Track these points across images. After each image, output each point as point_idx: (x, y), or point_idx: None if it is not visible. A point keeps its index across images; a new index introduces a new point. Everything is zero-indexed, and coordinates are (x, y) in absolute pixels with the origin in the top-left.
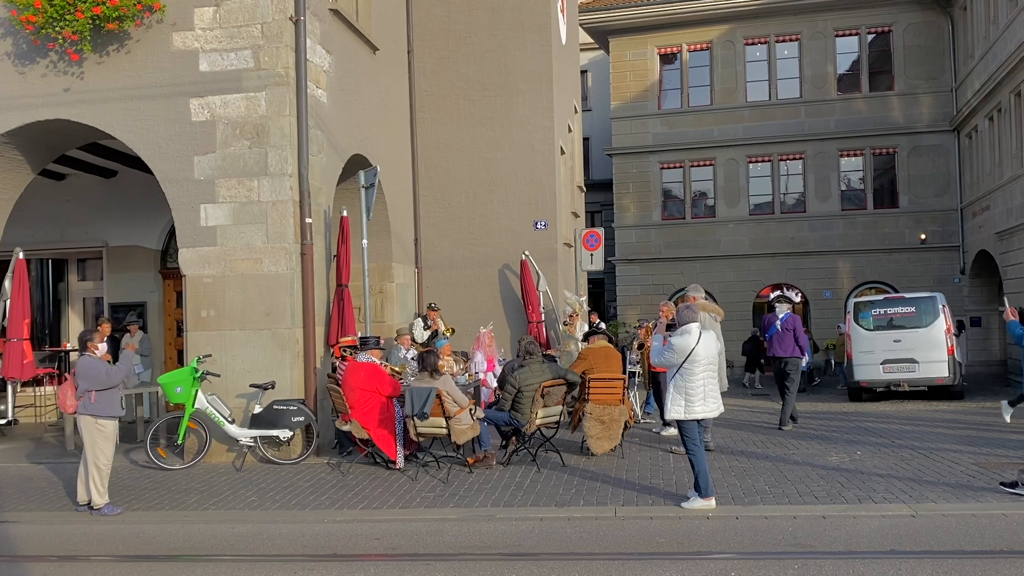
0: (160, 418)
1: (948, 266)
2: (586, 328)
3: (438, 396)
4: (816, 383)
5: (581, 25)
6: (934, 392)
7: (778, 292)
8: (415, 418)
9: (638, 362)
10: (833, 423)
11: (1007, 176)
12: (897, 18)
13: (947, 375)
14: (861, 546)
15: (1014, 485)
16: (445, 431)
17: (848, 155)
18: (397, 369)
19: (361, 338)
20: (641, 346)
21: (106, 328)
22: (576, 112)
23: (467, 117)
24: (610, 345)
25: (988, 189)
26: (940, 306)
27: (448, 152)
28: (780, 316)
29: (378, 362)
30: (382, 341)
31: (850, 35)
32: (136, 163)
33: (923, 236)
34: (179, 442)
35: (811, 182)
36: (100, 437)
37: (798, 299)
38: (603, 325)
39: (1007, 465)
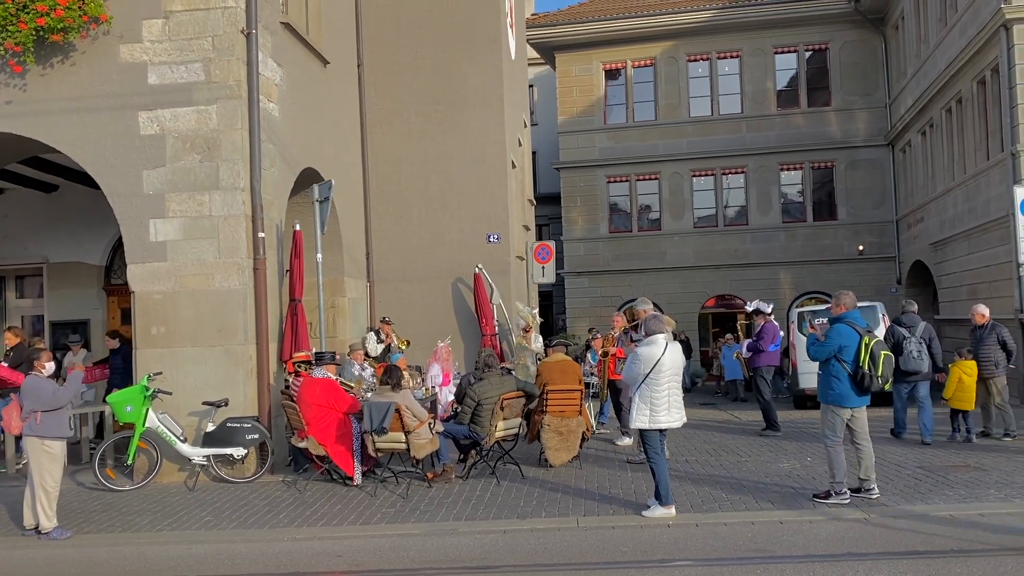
0: (108, 438)
1: (885, 276)
2: (540, 341)
3: (397, 411)
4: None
5: (528, 41)
6: (876, 399)
7: (757, 300)
8: (374, 433)
9: (592, 373)
10: (782, 430)
11: (940, 189)
12: (833, 36)
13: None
14: (819, 549)
15: (827, 496)
16: (404, 446)
17: (788, 169)
18: (352, 384)
19: (317, 353)
20: (605, 354)
21: (10, 338)
22: (525, 126)
23: (418, 131)
24: (567, 358)
25: (922, 201)
26: (880, 315)
27: (400, 165)
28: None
29: (334, 377)
30: (338, 356)
31: (789, 52)
32: (79, 177)
33: (861, 247)
34: (129, 462)
35: (753, 195)
36: (47, 459)
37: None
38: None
39: (951, 468)
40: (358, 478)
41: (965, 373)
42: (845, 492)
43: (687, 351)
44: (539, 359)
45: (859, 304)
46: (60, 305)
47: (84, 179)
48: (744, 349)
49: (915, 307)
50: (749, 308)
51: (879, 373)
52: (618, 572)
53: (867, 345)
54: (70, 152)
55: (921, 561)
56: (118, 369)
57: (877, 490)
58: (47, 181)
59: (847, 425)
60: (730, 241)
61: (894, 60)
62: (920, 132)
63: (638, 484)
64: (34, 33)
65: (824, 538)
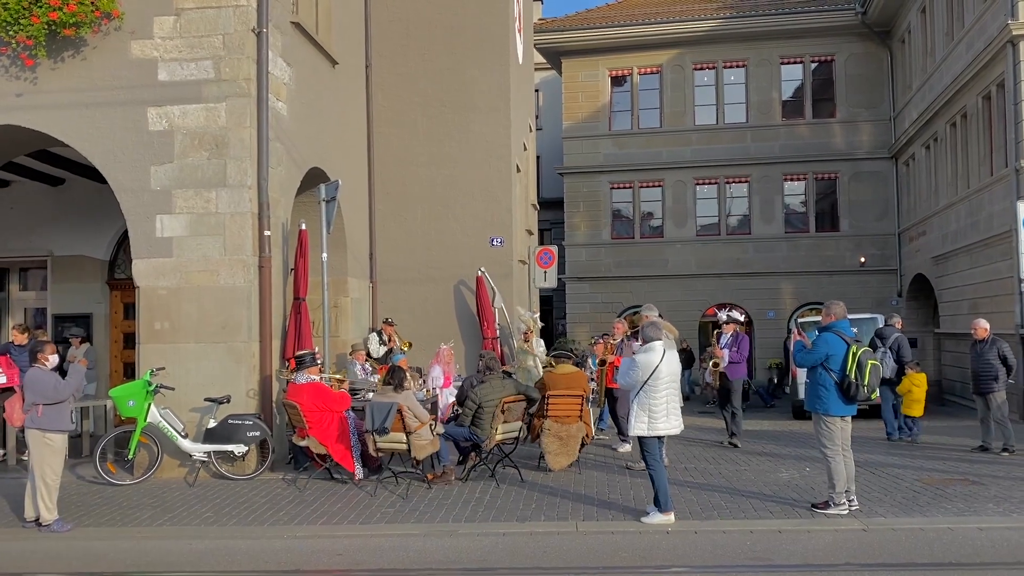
0: (109, 432)
1: (886, 288)
2: (542, 345)
3: (399, 411)
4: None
5: (535, 45)
6: (874, 410)
7: (728, 309)
8: (375, 433)
9: (592, 378)
10: (780, 440)
11: (943, 203)
12: (839, 48)
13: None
14: (817, 559)
15: (826, 505)
16: (405, 446)
17: (791, 179)
18: (338, 377)
19: (296, 357)
20: (603, 363)
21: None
22: (531, 131)
23: (424, 133)
24: (575, 369)
25: (925, 215)
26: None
27: (405, 167)
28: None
29: (318, 379)
30: (317, 354)
31: (794, 63)
32: (85, 171)
33: (863, 259)
34: (130, 457)
35: (756, 205)
36: (48, 452)
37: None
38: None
39: (949, 481)
40: (360, 473)
41: (914, 384)
42: (844, 502)
43: (689, 360)
44: (548, 364)
45: (861, 316)
46: (63, 298)
47: (90, 173)
48: (726, 360)
49: (897, 321)
50: (723, 317)
51: (865, 382)
52: None
53: (854, 354)
54: (78, 146)
55: (919, 573)
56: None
57: (856, 501)
58: (53, 174)
59: None
60: (732, 250)
61: (900, 73)
62: (924, 146)
63: (637, 490)
64: (46, 27)
65: (822, 547)
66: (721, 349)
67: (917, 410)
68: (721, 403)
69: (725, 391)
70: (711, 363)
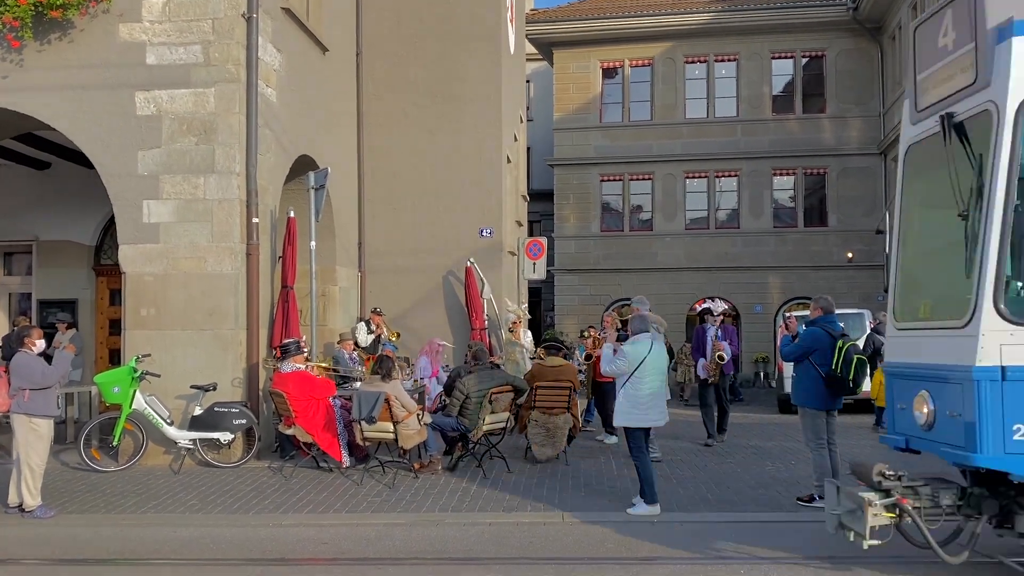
0: (94, 419)
1: (873, 284)
2: (530, 335)
3: (386, 400)
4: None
5: (527, 36)
6: (860, 405)
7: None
8: (363, 422)
9: (580, 370)
10: (765, 434)
11: None
12: (830, 43)
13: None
14: (802, 552)
15: (811, 499)
16: (392, 436)
17: (781, 174)
18: (324, 365)
19: (282, 345)
20: (588, 357)
21: None
22: (522, 122)
23: (415, 122)
24: (565, 362)
25: None
26: (867, 322)
27: (394, 156)
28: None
29: (304, 367)
30: (304, 343)
31: (785, 58)
32: (72, 155)
33: (850, 255)
34: (115, 443)
35: (745, 199)
36: (34, 437)
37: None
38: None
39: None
40: (346, 460)
41: None
42: None
43: (669, 355)
44: (532, 357)
45: (847, 311)
46: (49, 284)
47: (77, 157)
48: (729, 353)
49: (883, 315)
50: (716, 310)
51: (851, 377)
52: (602, 568)
53: (840, 349)
54: (65, 130)
55: (904, 565)
56: None
57: None
58: (39, 158)
59: None
60: (721, 244)
61: (890, 70)
62: None
63: (623, 481)
64: (33, 8)
65: (809, 539)
66: (719, 342)
67: None
68: (704, 400)
69: (715, 387)
70: (716, 355)
